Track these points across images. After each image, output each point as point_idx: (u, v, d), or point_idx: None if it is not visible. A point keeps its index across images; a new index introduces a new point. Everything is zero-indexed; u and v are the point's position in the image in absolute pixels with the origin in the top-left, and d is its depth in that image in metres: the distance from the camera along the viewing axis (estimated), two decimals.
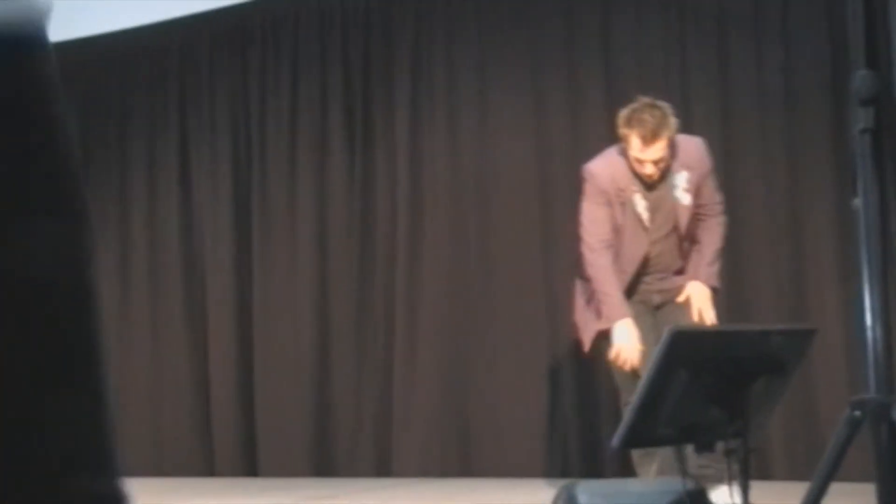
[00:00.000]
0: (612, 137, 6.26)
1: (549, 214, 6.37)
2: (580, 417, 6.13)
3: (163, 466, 7.03)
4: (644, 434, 2.86)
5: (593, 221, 4.48)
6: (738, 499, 2.87)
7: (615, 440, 2.89)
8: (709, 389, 2.86)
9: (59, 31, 6.77)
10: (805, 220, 5.80)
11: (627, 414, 2.85)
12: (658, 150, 4.33)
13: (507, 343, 6.35)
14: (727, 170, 5.81)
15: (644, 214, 4.42)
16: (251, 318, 7.05)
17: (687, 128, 6.10)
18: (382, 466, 6.57)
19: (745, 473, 2.88)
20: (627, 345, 4.24)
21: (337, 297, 6.86)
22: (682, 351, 2.85)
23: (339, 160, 6.94)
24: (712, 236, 4.52)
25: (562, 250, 6.22)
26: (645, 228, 4.43)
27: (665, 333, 2.84)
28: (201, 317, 7.19)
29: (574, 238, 6.11)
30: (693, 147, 4.55)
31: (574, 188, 6.37)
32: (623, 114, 4.45)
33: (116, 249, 7.51)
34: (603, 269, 4.41)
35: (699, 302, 4.39)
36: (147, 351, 7.31)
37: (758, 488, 2.97)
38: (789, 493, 2.90)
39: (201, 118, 7.37)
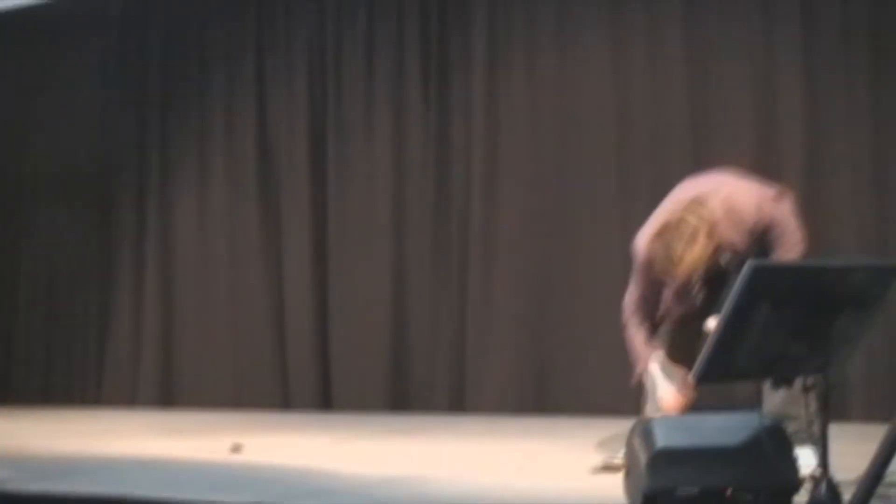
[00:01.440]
0: (691, 75, 6.23)
1: (627, 153, 6.31)
2: None
3: (239, 400, 7.15)
4: (723, 368, 2.84)
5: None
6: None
7: (694, 373, 2.87)
8: (790, 324, 2.82)
9: None
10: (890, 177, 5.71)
11: (706, 347, 2.83)
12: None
13: (585, 279, 6.32)
14: (809, 126, 5.77)
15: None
16: (327, 253, 7.09)
17: (769, 71, 6.04)
18: (456, 402, 6.61)
19: (825, 410, 2.84)
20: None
21: (413, 231, 6.88)
22: (763, 285, 2.81)
23: (416, 95, 6.91)
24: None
25: (639, 188, 6.18)
26: None
27: (746, 267, 2.80)
28: (277, 251, 7.25)
29: (651, 182, 6.09)
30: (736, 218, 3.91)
31: (651, 126, 6.34)
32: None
33: (194, 182, 7.60)
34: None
35: None
36: (225, 286, 7.40)
37: (835, 429, 2.93)
38: (867, 435, 2.86)
39: (278, 52, 7.37)
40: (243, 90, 7.49)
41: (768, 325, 2.82)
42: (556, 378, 6.39)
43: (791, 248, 3.86)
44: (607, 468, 3.79)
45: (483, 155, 6.68)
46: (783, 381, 2.93)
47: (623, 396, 6.05)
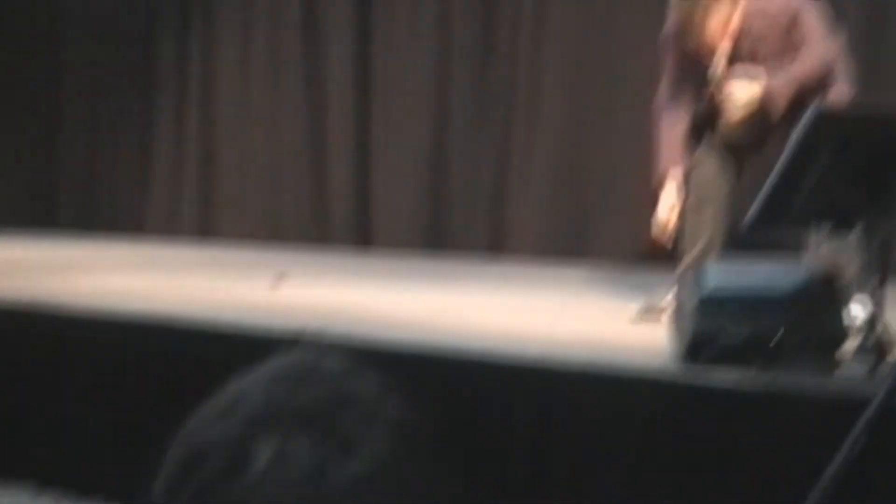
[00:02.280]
0: None
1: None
2: None
3: (280, 233, 7.19)
4: (779, 212, 2.78)
5: None
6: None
7: (748, 218, 2.82)
8: (850, 170, 2.75)
9: None
10: None
11: (762, 192, 2.77)
12: None
13: (627, 129, 6.23)
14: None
15: None
16: (370, 90, 7.01)
17: None
18: (495, 245, 6.61)
19: (884, 260, 2.79)
20: None
21: (457, 73, 6.77)
22: (825, 130, 2.73)
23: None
24: None
25: None
26: None
27: (809, 111, 2.72)
28: (321, 86, 7.18)
29: None
30: None
31: None
32: None
33: (238, 20, 7.50)
34: None
35: None
36: (266, 120, 7.36)
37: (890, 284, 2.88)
38: None
39: None
40: None
41: (827, 171, 2.75)
42: (596, 224, 6.36)
43: (807, 58, 3.65)
44: (649, 311, 3.77)
45: (531, 3, 6.53)
46: (839, 229, 2.88)
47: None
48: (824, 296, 2.86)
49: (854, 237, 2.90)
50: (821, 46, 3.68)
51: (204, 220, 7.54)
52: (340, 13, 7.09)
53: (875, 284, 2.79)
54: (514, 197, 6.56)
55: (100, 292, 4.31)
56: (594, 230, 6.37)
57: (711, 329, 2.80)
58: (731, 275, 2.95)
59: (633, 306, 3.88)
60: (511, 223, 6.58)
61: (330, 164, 7.16)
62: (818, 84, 3.64)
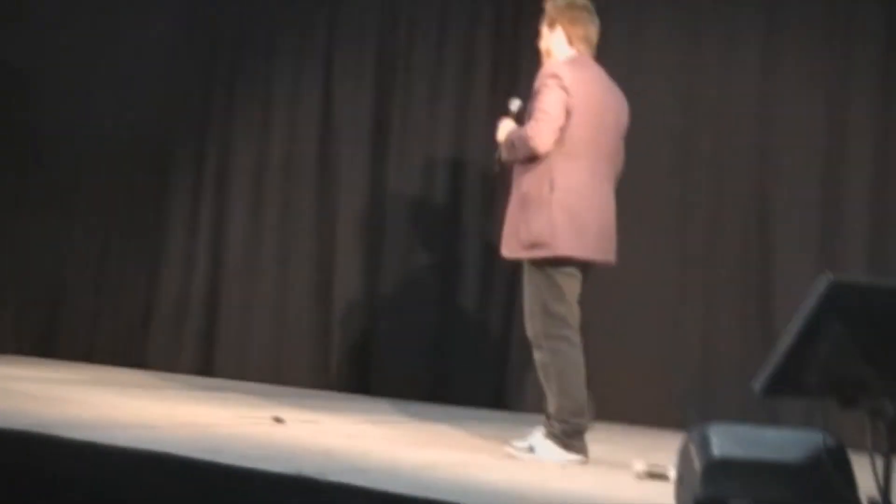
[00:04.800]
0: (762, 101, 6.15)
1: (689, 162, 6.24)
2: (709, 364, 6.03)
3: (279, 375, 7.16)
4: (789, 382, 2.77)
5: None
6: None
7: (758, 384, 2.80)
8: (863, 344, 2.75)
9: None
10: None
11: (773, 358, 2.76)
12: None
13: (635, 290, 6.26)
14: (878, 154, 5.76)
15: None
16: (381, 237, 7.06)
17: (842, 98, 5.96)
18: (498, 399, 6.57)
19: (892, 436, 2.76)
20: None
21: (467, 228, 6.84)
22: (838, 301, 2.74)
23: (483, 85, 6.88)
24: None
25: (698, 200, 6.11)
26: None
27: (821, 281, 2.74)
28: (330, 230, 7.24)
29: (713, 193, 6.02)
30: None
31: (715, 140, 6.25)
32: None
33: (253, 154, 7.62)
34: None
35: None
36: (274, 260, 7.41)
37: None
38: None
39: (348, 28, 7.37)
40: (312, 61, 7.49)
41: (839, 344, 2.75)
42: (600, 385, 6.32)
43: (521, 132, 4.15)
44: (652, 476, 3.73)
45: None
46: (850, 402, 2.86)
47: (665, 409, 6.02)
48: (835, 466, 2.82)
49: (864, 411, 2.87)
50: (525, 134, 4.13)
51: (204, 357, 7.52)
52: (356, 156, 7.20)
53: (884, 460, 2.76)
54: (517, 356, 6.55)
55: (99, 417, 4.27)
56: (597, 391, 6.33)
57: (717, 495, 2.75)
58: (739, 440, 2.92)
59: (637, 464, 3.84)
60: (513, 381, 6.55)
61: (336, 308, 7.16)
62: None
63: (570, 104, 4.10)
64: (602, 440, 5.11)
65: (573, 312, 4.15)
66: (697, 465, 2.82)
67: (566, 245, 4.06)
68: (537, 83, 4.16)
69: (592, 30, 4.34)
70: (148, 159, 7.94)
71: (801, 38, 6.08)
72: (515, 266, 6.58)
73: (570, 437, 4.07)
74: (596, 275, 6.35)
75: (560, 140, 4.07)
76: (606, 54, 6.46)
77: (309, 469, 3.14)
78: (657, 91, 6.29)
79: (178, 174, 7.88)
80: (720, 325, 6.09)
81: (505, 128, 4.27)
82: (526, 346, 6.46)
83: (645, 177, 6.24)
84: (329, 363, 7.14)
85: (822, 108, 6.00)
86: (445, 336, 6.82)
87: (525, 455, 4.13)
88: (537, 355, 4.16)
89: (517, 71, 6.69)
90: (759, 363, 2.81)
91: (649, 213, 6.23)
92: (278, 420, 4.76)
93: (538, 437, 4.14)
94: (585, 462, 4.11)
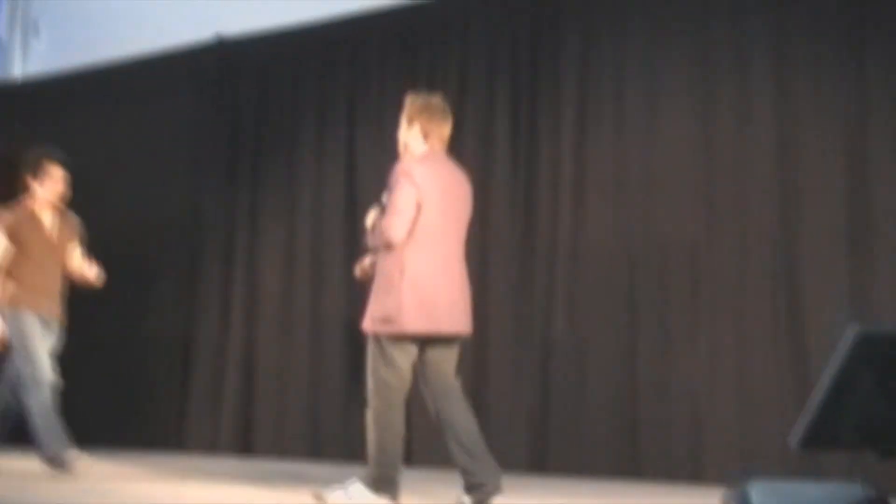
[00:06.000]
0: (780, 142, 6.19)
1: (712, 212, 6.29)
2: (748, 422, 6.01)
3: (318, 450, 7.18)
4: (825, 435, 2.78)
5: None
6: None
7: (794, 438, 2.82)
8: (893, 394, 2.76)
9: (236, 25, 6.92)
10: None
11: (808, 412, 2.78)
12: None
13: (674, 340, 6.27)
14: None
15: None
16: None
17: (860, 137, 5.98)
18: (537, 463, 6.56)
19: None
20: None
21: (496, 284, 6.87)
22: (867, 352, 2.76)
23: (504, 159, 6.97)
24: None
25: (724, 250, 6.14)
26: None
27: (850, 333, 2.76)
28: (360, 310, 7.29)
29: (740, 236, 6.07)
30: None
31: (737, 189, 6.29)
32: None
33: (282, 237, 7.70)
34: None
35: None
36: (307, 342, 7.46)
37: None
38: None
39: (369, 100, 7.49)
40: (335, 143, 7.60)
41: (872, 393, 2.77)
42: (648, 442, 6.31)
43: (380, 224, 4.64)
44: None
45: (569, 216, 6.69)
46: (887, 452, 2.86)
47: (708, 466, 5.99)
48: None
49: None
50: (385, 219, 4.63)
51: (242, 437, 7.54)
52: None
53: None
54: (555, 418, 6.54)
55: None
56: (645, 451, 6.31)
57: None
58: (779, 496, 2.92)
59: None
60: (552, 442, 6.54)
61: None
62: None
63: (419, 198, 4.59)
64: (648, 498, 5.10)
65: (401, 379, 4.68)
66: None
67: (410, 323, 4.59)
68: (392, 178, 4.65)
69: (446, 127, 4.82)
70: (176, 250, 8.04)
71: (815, 72, 6.11)
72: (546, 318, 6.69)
73: (381, 482, 4.63)
74: (638, 328, 6.39)
75: (411, 231, 4.59)
76: (624, 111, 6.61)
77: None
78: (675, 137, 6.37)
79: (207, 263, 7.98)
80: (755, 375, 6.06)
81: (371, 217, 4.80)
82: (566, 409, 6.58)
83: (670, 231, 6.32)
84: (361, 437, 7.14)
85: (841, 140, 6.01)
86: (482, 400, 6.82)
87: (340, 499, 4.64)
88: (367, 412, 4.72)
89: (536, 150, 6.79)
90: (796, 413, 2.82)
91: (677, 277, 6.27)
92: (318, 497, 4.78)
93: (354, 484, 4.68)
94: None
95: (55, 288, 5.87)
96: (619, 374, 6.39)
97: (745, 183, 6.24)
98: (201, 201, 8.03)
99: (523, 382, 6.72)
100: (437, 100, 4.83)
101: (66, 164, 5.86)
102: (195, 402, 7.83)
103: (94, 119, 8.50)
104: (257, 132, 7.94)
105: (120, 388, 8.13)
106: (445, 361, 4.76)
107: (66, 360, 8.22)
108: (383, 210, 4.72)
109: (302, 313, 7.53)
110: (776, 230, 6.13)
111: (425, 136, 4.76)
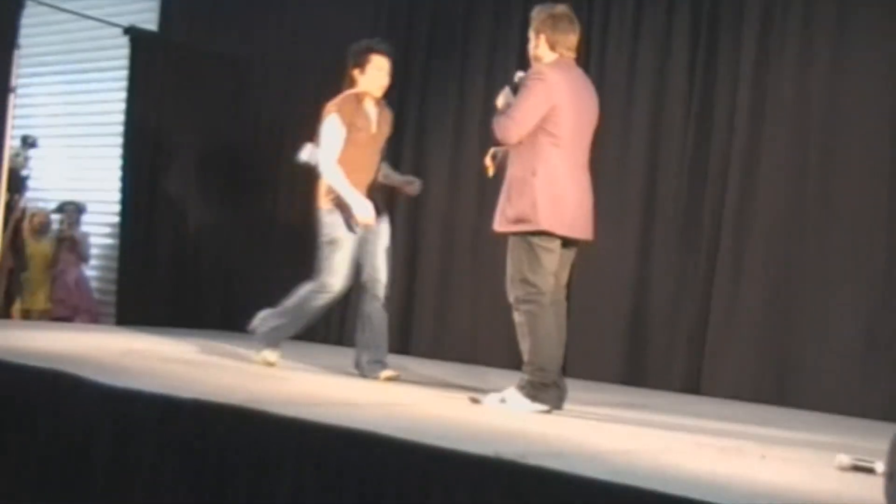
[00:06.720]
0: None
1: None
2: None
3: (476, 356, 7.30)
4: None
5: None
6: None
7: None
8: None
9: None
10: None
11: None
12: None
13: (836, 278, 6.11)
14: None
15: None
16: None
17: None
18: (692, 384, 6.53)
19: None
20: None
21: (663, 215, 6.81)
22: None
23: (680, 81, 6.84)
24: None
25: None
26: None
27: None
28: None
29: None
30: None
31: None
32: None
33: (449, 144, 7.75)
34: None
35: None
36: (468, 249, 7.55)
37: None
38: None
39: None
40: (506, 57, 7.56)
41: None
42: (797, 373, 6.21)
43: (502, 118, 4.74)
44: (858, 469, 3.65)
45: (743, 144, 6.55)
46: None
47: (861, 398, 5.85)
48: None
49: None
50: (505, 119, 4.74)
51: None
52: None
53: None
54: (715, 338, 6.49)
55: (305, 394, 4.48)
56: (794, 379, 6.22)
57: None
58: None
59: (838, 457, 3.75)
60: (709, 364, 6.49)
61: None
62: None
63: (553, 101, 4.66)
64: (803, 428, 5.04)
65: (548, 282, 4.71)
66: None
67: (545, 221, 4.65)
68: (526, 79, 4.73)
69: (572, 37, 4.84)
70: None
71: None
72: (712, 251, 6.59)
73: (536, 390, 4.67)
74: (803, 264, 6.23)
75: (545, 131, 4.66)
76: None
77: (508, 451, 3.21)
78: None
79: None
80: None
81: (503, 97, 4.84)
82: (725, 331, 6.50)
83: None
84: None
85: None
86: (642, 319, 6.81)
87: (496, 405, 4.71)
88: (515, 316, 4.75)
89: (714, 65, 6.60)
90: None
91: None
92: (475, 400, 4.87)
93: (510, 391, 4.73)
94: (549, 412, 4.68)
95: (375, 182, 5.76)
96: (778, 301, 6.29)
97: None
98: None
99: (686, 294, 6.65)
100: (561, 8, 4.86)
101: (390, 54, 5.74)
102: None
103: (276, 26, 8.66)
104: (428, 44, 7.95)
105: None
106: (562, 267, 4.81)
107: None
108: (515, 90, 4.80)
109: (464, 220, 7.60)
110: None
111: (552, 46, 4.80)
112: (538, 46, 4.83)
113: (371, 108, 5.73)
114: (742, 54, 6.58)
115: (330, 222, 5.63)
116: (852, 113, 6.19)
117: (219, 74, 8.79)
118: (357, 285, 5.73)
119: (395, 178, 5.97)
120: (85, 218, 9.46)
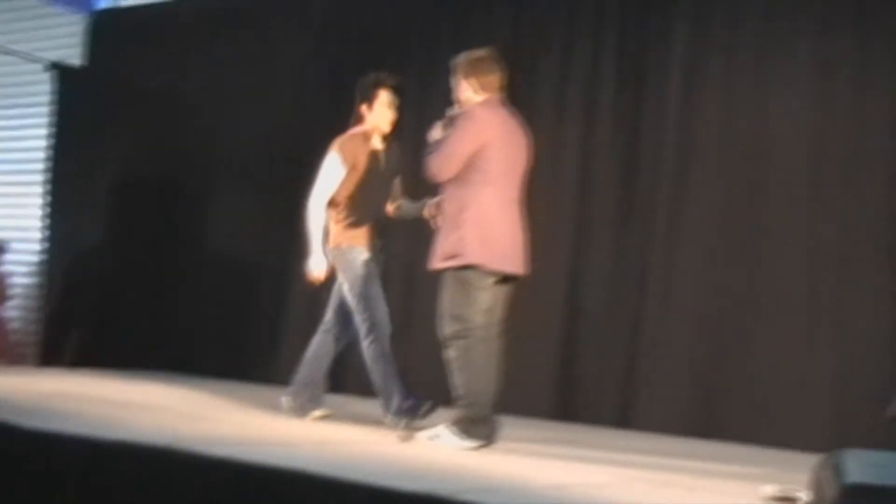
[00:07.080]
0: None
1: (820, 178, 6.14)
2: (843, 388, 5.90)
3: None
4: None
5: None
6: None
7: (891, 410, 2.77)
8: None
9: None
10: None
11: None
12: None
13: (767, 307, 6.18)
14: None
15: None
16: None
17: None
18: (622, 417, 6.54)
19: None
20: None
21: (594, 245, 6.82)
22: None
23: (607, 105, 6.88)
24: None
25: (831, 214, 6.02)
26: None
27: None
28: None
29: (848, 204, 5.95)
30: None
31: (849, 154, 6.12)
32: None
33: None
34: None
35: None
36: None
37: None
38: None
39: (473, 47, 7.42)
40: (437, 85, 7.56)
41: None
42: (726, 406, 6.25)
43: (433, 155, 4.84)
44: (782, 500, 3.69)
45: (672, 172, 6.59)
46: None
47: (797, 432, 5.91)
48: None
49: None
50: (437, 154, 4.82)
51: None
52: None
53: None
54: (642, 374, 6.51)
55: (235, 434, 4.41)
56: (725, 411, 6.26)
57: None
58: (874, 466, 2.88)
59: (766, 488, 3.79)
60: (639, 399, 6.51)
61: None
62: None
63: (483, 138, 4.73)
64: (732, 461, 5.08)
65: (479, 318, 4.76)
66: (832, 491, 2.80)
67: (476, 255, 4.71)
68: (457, 118, 4.82)
69: (498, 75, 4.94)
70: (280, 171, 8.11)
71: None
72: (641, 284, 6.63)
73: (469, 425, 4.70)
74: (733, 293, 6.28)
75: (475, 168, 4.72)
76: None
77: (441, 488, 3.19)
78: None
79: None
80: (857, 346, 5.93)
81: (435, 132, 4.94)
82: (655, 365, 6.53)
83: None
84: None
85: None
86: (572, 353, 6.82)
87: (429, 441, 4.74)
88: (445, 353, 4.77)
89: (642, 90, 6.70)
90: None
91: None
92: (407, 437, 4.84)
93: (442, 427, 4.77)
94: (485, 446, 4.70)
95: (382, 220, 5.62)
96: (709, 331, 6.34)
97: (857, 152, 6.08)
98: (306, 131, 8.04)
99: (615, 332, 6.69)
100: (482, 51, 4.97)
101: (399, 90, 5.62)
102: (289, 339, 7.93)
103: (204, 57, 8.59)
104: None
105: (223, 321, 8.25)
106: (497, 303, 4.84)
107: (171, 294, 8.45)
108: (444, 126, 4.88)
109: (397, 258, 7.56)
110: (893, 199, 5.96)
111: (479, 88, 4.91)
112: (465, 90, 4.93)
113: (379, 145, 5.62)
114: (668, 101, 6.65)
115: (351, 259, 5.47)
116: (775, 146, 6.28)
117: (145, 108, 8.69)
118: (322, 324, 5.66)
119: (410, 210, 5.70)
120: (5, 257, 9.26)
